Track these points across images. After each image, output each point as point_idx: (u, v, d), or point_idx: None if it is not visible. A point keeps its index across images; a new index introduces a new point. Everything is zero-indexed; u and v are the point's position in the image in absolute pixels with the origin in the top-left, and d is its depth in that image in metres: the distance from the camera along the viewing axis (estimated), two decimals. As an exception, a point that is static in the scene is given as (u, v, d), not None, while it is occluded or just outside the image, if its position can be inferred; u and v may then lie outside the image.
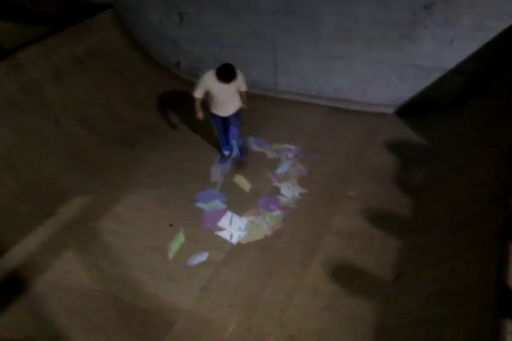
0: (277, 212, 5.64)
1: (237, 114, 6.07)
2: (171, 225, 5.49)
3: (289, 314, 4.36)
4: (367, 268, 4.70)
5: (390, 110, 7.55)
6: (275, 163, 6.54)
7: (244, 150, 6.74)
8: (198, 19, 8.04)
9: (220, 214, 5.67)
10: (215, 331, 4.27)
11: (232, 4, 7.54)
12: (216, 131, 6.56)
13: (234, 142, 6.34)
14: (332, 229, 5.28)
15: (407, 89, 7.29)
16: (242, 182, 6.19)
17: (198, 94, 5.66)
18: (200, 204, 5.83)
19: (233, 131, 6.19)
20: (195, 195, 5.98)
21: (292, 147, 6.86)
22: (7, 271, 4.90)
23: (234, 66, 5.33)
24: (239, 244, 5.25)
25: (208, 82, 5.48)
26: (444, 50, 6.63)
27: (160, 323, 4.35)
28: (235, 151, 6.50)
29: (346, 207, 5.58)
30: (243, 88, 5.87)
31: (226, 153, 6.67)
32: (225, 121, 6.14)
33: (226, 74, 5.31)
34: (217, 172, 6.43)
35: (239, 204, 5.81)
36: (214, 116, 6.04)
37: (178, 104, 8.10)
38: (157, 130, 7.42)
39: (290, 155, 6.69)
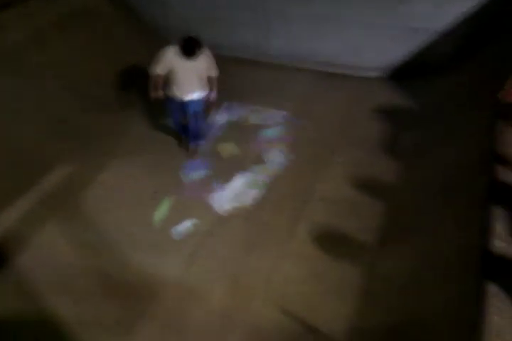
0: (263, 179, 5.58)
1: (201, 105, 5.39)
2: (155, 192, 5.44)
3: (274, 280, 4.38)
4: (352, 233, 4.71)
5: (381, 74, 7.42)
6: (261, 128, 6.44)
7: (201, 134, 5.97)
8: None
9: (205, 183, 5.61)
10: (200, 300, 4.27)
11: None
12: (169, 120, 5.93)
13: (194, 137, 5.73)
14: (317, 195, 5.26)
15: (398, 53, 7.15)
16: (228, 149, 6.10)
17: (157, 69, 4.99)
18: (185, 173, 5.76)
19: (193, 126, 5.58)
20: (182, 164, 5.92)
21: (279, 112, 6.74)
22: (-11, 242, 4.86)
23: (200, 39, 4.73)
24: (224, 212, 5.21)
25: (170, 57, 4.86)
26: (436, 12, 6.46)
27: (146, 295, 4.34)
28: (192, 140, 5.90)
29: (332, 173, 5.53)
30: (213, 73, 5.21)
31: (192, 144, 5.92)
32: (182, 109, 5.41)
33: (190, 47, 4.67)
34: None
35: (224, 171, 5.74)
36: (169, 100, 5.34)
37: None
38: (145, 96, 7.22)
39: (277, 120, 6.58)
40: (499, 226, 3.25)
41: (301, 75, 7.63)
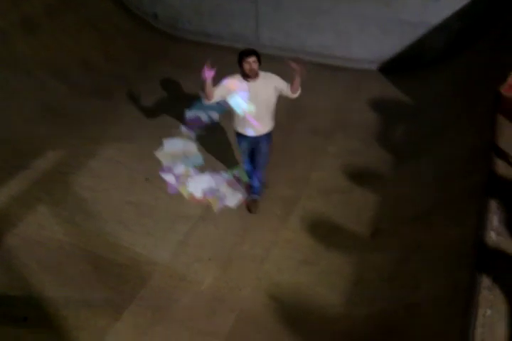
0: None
1: (269, 139, 4.65)
2: (146, 179, 5.39)
3: (266, 268, 4.37)
4: (345, 223, 4.71)
5: (374, 66, 7.42)
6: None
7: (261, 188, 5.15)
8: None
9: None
10: (191, 285, 4.26)
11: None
12: (241, 157, 4.97)
13: (257, 177, 4.96)
14: (311, 184, 5.26)
15: (391, 45, 7.16)
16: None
17: (211, 96, 4.17)
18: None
19: (260, 163, 4.79)
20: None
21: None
22: (-21, 224, 4.76)
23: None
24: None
25: (234, 82, 4.19)
26: (430, 5, 6.51)
27: (135, 277, 4.31)
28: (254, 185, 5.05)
29: (326, 163, 5.54)
30: (287, 88, 4.31)
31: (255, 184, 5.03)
32: (253, 147, 4.68)
33: (245, 50, 4.10)
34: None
35: (218, 159, 5.72)
36: (239, 136, 4.62)
37: (156, 55, 7.87)
38: (134, 83, 7.18)
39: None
40: (495, 219, 3.26)
41: (293, 66, 7.57)
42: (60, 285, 4.21)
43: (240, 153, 4.86)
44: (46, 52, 6.91)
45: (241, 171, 5.36)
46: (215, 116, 6.44)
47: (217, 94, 4.18)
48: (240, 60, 4.06)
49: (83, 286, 4.22)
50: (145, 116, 6.44)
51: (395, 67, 7.28)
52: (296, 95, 4.39)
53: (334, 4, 7.02)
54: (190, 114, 6.43)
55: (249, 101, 4.21)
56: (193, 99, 6.68)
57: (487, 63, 5.78)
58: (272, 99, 4.34)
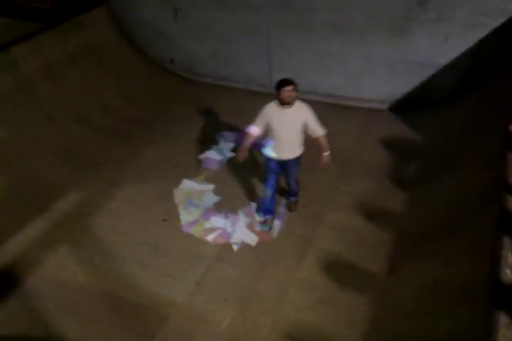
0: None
1: (297, 163, 5.01)
2: (164, 220, 5.48)
3: (283, 307, 4.37)
4: (360, 261, 4.72)
5: (384, 106, 7.55)
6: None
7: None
8: (193, 15, 8.02)
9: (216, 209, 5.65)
10: (209, 325, 4.26)
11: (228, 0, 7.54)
12: (265, 184, 5.17)
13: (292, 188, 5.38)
14: (326, 223, 5.30)
15: (401, 85, 7.29)
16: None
17: (256, 127, 4.66)
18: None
19: (292, 187, 5.31)
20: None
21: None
22: (0, 267, 4.86)
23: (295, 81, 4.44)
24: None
25: (270, 111, 4.55)
26: (438, 46, 6.64)
27: (154, 318, 4.33)
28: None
29: (340, 202, 5.60)
30: (315, 128, 4.68)
31: (268, 217, 5.34)
32: (280, 170, 5.04)
33: (283, 80, 4.40)
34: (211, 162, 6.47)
35: (235, 199, 5.81)
36: (268, 160, 4.96)
37: (172, 98, 8.11)
38: (152, 125, 7.40)
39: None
40: (510, 257, 3.28)
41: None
42: (79, 326, 4.26)
43: (266, 173, 5.09)
44: (67, 97, 7.16)
45: (257, 210, 5.50)
46: (231, 156, 6.58)
47: (259, 125, 4.66)
48: (278, 89, 4.38)
49: (103, 327, 4.26)
50: (162, 158, 6.60)
51: (405, 107, 7.39)
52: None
53: (344, 46, 7.21)
54: (206, 155, 6.57)
55: (279, 127, 4.60)
56: (209, 140, 6.87)
57: (496, 101, 5.86)
58: (299, 128, 4.66)
